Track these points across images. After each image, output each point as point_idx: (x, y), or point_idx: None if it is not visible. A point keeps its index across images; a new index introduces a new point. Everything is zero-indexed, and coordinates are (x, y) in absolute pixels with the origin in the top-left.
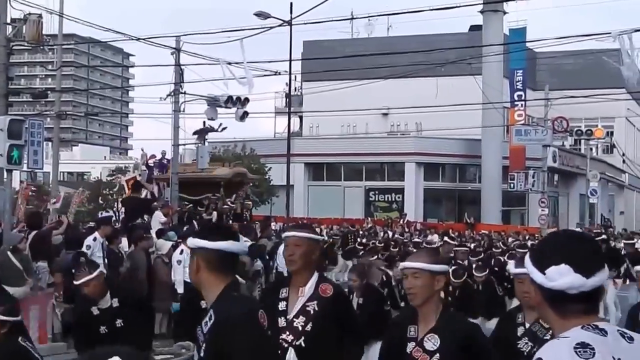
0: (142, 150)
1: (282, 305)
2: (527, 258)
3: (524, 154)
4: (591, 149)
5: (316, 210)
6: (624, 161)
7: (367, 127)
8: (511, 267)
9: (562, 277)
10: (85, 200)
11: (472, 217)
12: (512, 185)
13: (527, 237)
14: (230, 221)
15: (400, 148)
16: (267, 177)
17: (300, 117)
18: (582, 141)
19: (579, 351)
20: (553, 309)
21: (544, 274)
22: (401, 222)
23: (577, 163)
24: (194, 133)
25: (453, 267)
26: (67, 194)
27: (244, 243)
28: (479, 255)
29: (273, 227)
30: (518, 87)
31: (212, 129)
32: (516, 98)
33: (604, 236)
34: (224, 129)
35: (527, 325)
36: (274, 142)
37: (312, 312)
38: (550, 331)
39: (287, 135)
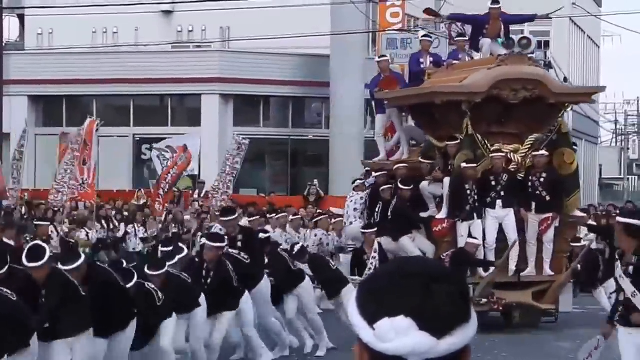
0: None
1: None
2: (350, 302)
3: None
4: None
5: (50, 175)
6: None
7: (137, 34)
8: None
9: (399, 335)
10: None
11: (316, 187)
12: None
13: None
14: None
15: (195, 70)
16: None
17: (21, 17)
18: None
19: None
20: None
21: (373, 328)
22: (195, 195)
23: None
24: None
25: None
26: None
27: None
28: None
29: None
30: None
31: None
32: None
33: None
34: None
35: None
36: None
37: None
38: None
39: None
